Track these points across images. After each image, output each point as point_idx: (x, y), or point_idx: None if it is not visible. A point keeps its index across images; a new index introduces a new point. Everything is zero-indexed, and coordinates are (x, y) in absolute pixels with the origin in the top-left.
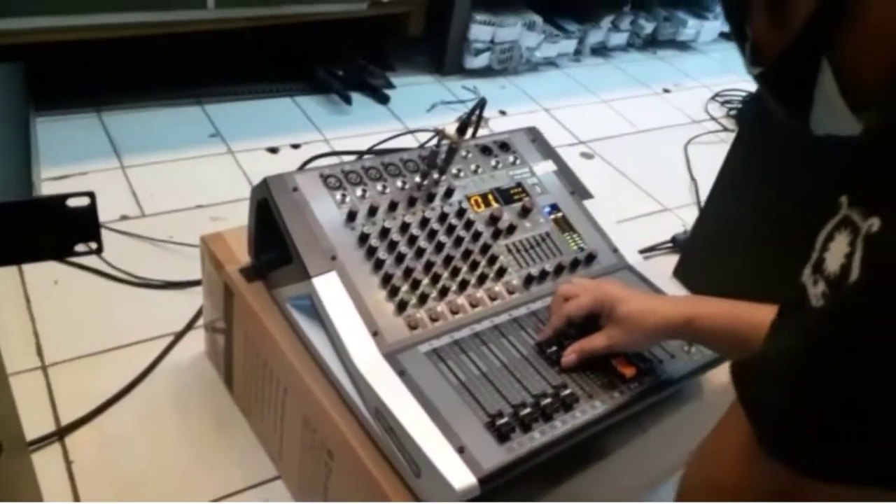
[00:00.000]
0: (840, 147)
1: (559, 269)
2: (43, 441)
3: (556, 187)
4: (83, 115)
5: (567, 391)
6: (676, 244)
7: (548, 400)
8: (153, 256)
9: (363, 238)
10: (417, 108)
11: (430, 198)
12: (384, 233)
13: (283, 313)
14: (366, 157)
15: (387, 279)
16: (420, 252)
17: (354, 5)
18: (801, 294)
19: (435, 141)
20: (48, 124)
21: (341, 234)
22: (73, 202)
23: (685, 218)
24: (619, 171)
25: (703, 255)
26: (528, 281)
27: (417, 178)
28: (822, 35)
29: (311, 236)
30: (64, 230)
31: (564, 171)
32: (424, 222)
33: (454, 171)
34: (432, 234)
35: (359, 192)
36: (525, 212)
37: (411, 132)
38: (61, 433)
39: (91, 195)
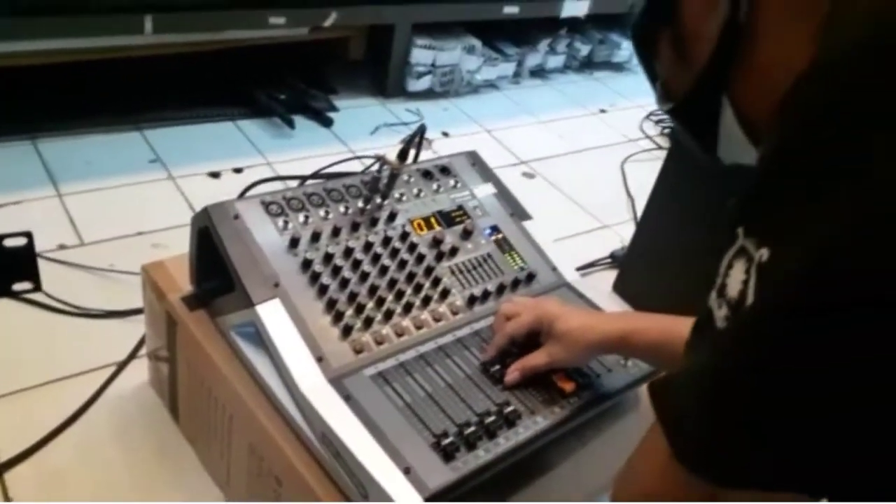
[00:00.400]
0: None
1: (501, 289)
2: None
3: (496, 209)
4: (17, 143)
5: (510, 408)
6: (615, 260)
7: (491, 418)
8: (93, 285)
9: (306, 264)
10: (361, 131)
11: (374, 222)
12: (327, 258)
13: (227, 341)
14: (308, 183)
15: (331, 304)
16: (364, 276)
17: (295, 30)
18: (708, 316)
19: (377, 167)
20: None
21: (284, 261)
22: (9, 242)
23: (623, 234)
24: (560, 190)
25: (640, 270)
26: (472, 301)
27: (360, 204)
28: (720, 74)
29: (254, 264)
30: (1, 270)
31: (504, 194)
32: (368, 246)
33: (397, 195)
34: (376, 258)
35: (301, 218)
36: (467, 234)
37: (357, 157)
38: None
39: (28, 235)
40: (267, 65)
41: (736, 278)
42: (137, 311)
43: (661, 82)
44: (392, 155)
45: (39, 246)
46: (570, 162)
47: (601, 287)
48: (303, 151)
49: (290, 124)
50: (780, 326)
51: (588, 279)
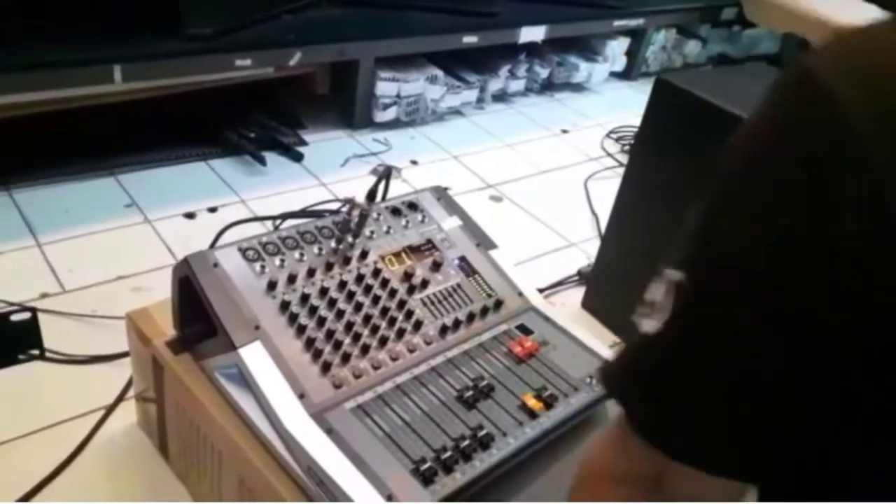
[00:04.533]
0: None
1: (471, 317)
2: None
3: (462, 241)
4: None
5: (483, 432)
6: (582, 277)
7: (466, 442)
8: (77, 332)
9: (284, 305)
10: (331, 163)
11: (346, 261)
12: (304, 298)
13: (213, 382)
14: (282, 227)
15: (310, 343)
16: (340, 313)
17: (261, 70)
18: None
19: (346, 209)
20: None
21: (263, 304)
22: (15, 317)
23: (589, 251)
24: (527, 211)
25: (606, 285)
26: (444, 331)
27: (333, 244)
28: None
29: (234, 309)
30: (8, 342)
31: (469, 225)
32: (342, 285)
33: (367, 233)
34: (351, 296)
35: (277, 261)
36: (436, 266)
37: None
38: None
39: (32, 310)
40: (235, 103)
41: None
42: (123, 355)
43: None
44: (360, 196)
45: (22, 296)
46: (536, 183)
47: (570, 303)
48: (276, 187)
49: (262, 161)
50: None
51: (557, 297)
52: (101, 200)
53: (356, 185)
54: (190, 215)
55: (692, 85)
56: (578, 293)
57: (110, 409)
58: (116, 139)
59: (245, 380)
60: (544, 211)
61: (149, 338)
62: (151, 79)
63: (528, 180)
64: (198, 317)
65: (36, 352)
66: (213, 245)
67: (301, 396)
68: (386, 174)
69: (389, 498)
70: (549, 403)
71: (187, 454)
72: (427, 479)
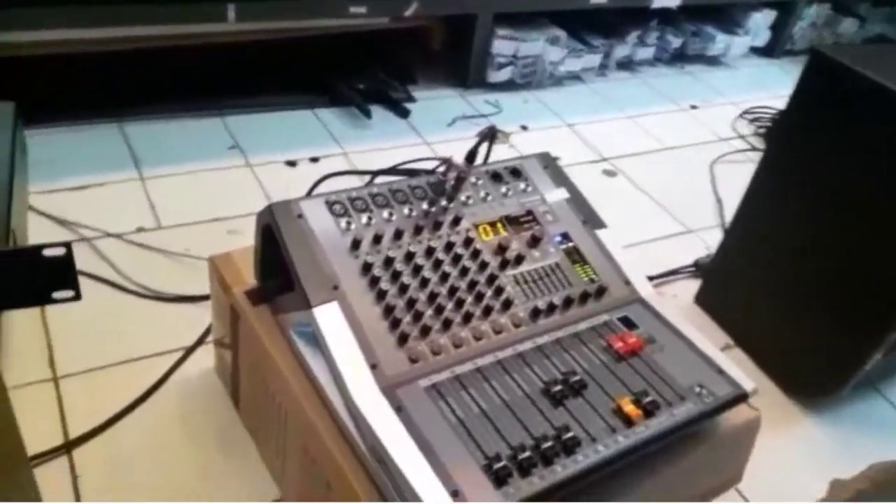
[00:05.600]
0: None
1: (568, 302)
2: (51, 454)
3: (567, 216)
4: (105, 127)
5: (569, 434)
6: (699, 268)
7: (548, 443)
8: (168, 269)
9: (367, 267)
10: (438, 122)
11: (437, 226)
12: (388, 262)
13: (287, 339)
14: (374, 183)
15: (389, 310)
16: (424, 282)
17: (376, 20)
18: None
19: (443, 169)
20: (70, 134)
21: (345, 263)
22: (49, 252)
23: (709, 240)
24: (642, 190)
25: (726, 281)
26: (535, 314)
27: (425, 206)
28: None
29: (314, 265)
30: (41, 279)
31: (577, 199)
32: (430, 251)
33: (463, 198)
34: (437, 264)
35: (364, 219)
36: (535, 241)
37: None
38: (69, 446)
39: (67, 245)
40: (346, 54)
41: None
42: (208, 297)
43: None
44: (459, 157)
45: (119, 228)
46: (656, 160)
47: (682, 297)
48: (379, 142)
49: (367, 114)
50: None
51: (668, 288)
52: (206, 140)
53: (460, 147)
54: (291, 163)
55: (858, 62)
56: (692, 286)
57: (189, 352)
58: (227, 81)
59: (317, 342)
60: (662, 191)
61: (229, 285)
62: (264, 20)
63: (647, 157)
64: (278, 269)
65: (71, 293)
66: (308, 195)
67: (373, 367)
68: (489, 135)
69: (455, 494)
70: (648, 411)
71: (257, 410)
72: (500, 479)
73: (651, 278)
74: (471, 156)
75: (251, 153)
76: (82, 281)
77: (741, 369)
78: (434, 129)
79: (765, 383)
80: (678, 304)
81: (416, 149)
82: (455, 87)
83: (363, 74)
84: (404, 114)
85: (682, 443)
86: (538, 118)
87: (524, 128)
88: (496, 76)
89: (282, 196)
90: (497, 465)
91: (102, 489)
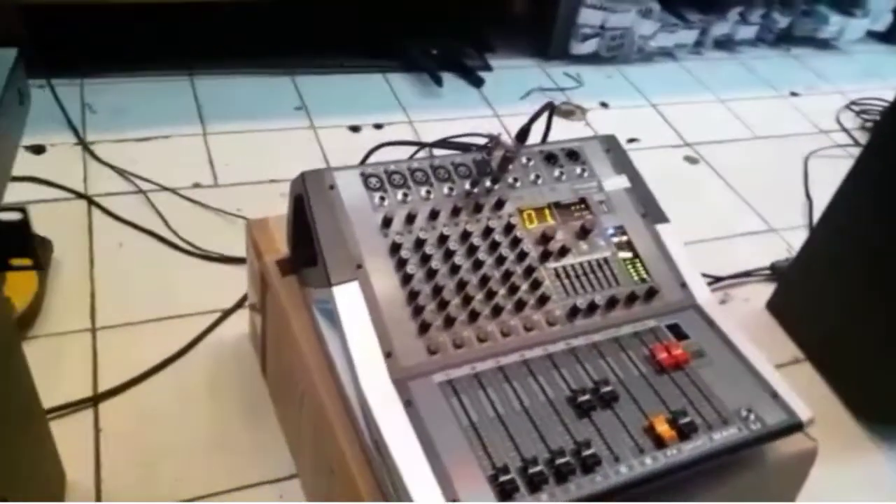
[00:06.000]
0: None
1: (612, 303)
2: (77, 405)
3: (625, 206)
4: (177, 80)
5: (590, 451)
6: (775, 272)
7: (565, 458)
8: (218, 228)
9: (395, 248)
10: (512, 94)
11: (477, 208)
12: (419, 244)
13: (310, 314)
14: (416, 158)
15: (413, 296)
16: (454, 269)
17: None
18: None
19: (489, 146)
20: (143, 85)
21: (372, 241)
22: (4, 216)
23: (792, 242)
24: (725, 181)
25: (804, 287)
26: (573, 313)
27: (467, 186)
28: None
29: (340, 240)
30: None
31: (639, 189)
32: (465, 236)
33: (510, 179)
34: (472, 250)
35: (399, 195)
36: (584, 232)
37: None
38: (97, 399)
39: (23, 210)
40: (423, 17)
41: None
42: None
43: None
44: (510, 135)
45: (176, 182)
46: (745, 149)
47: (753, 301)
48: (447, 112)
49: (439, 82)
50: None
51: (739, 290)
52: (274, 99)
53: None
54: (355, 128)
55: None
56: (766, 290)
57: (226, 315)
58: (300, 40)
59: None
60: (747, 184)
61: (261, 251)
62: None
63: (735, 145)
64: (307, 240)
65: (30, 262)
66: (361, 163)
67: (388, 355)
68: (546, 110)
69: (454, 501)
70: (684, 433)
71: (279, 382)
72: (505, 492)
73: (721, 279)
74: (522, 134)
75: (317, 115)
76: (133, 234)
77: (807, 386)
78: (507, 100)
79: (832, 404)
80: (748, 308)
81: (485, 121)
82: (534, 58)
83: (438, 40)
84: (478, 83)
85: (724, 467)
86: (621, 95)
87: (604, 105)
88: (580, 48)
89: (340, 162)
90: (504, 478)
91: (121, 446)
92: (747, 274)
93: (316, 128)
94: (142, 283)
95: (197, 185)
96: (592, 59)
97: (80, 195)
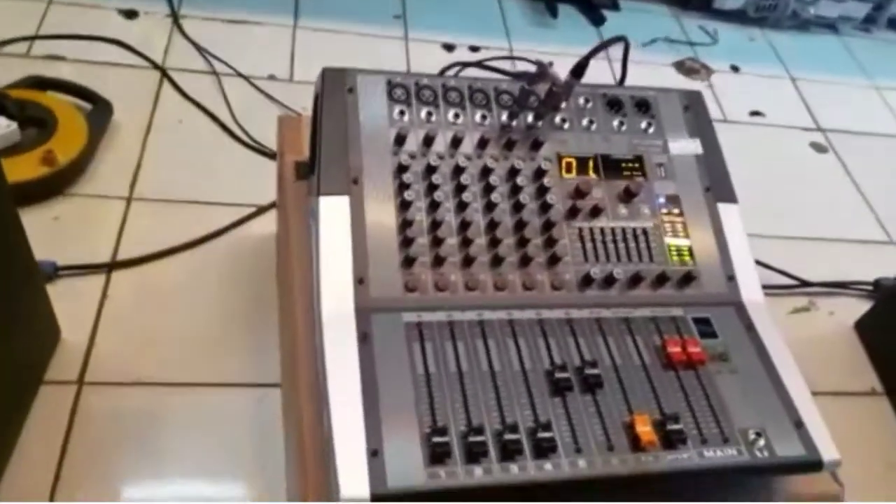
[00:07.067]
0: None
1: (636, 280)
2: (91, 269)
3: (688, 175)
4: None
5: (548, 433)
6: (877, 289)
7: (516, 435)
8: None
9: (401, 169)
10: (633, 41)
11: (509, 144)
12: (429, 170)
13: (308, 224)
14: (460, 75)
15: (406, 225)
16: (462, 206)
17: None
18: None
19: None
20: None
21: (378, 157)
22: None
23: None
24: (851, 177)
25: None
26: (586, 282)
27: (504, 117)
28: None
29: (342, 149)
30: None
31: (712, 159)
32: (485, 172)
33: (558, 119)
34: (488, 189)
35: (424, 113)
36: (628, 195)
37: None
38: (112, 266)
39: None
40: None
41: None
42: None
43: None
44: (566, 67)
45: (252, 70)
46: (887, 147)
47: (842, 317)
48: (553, 46)
49: (554, 12)
50: None
51: (829, 301)
52: (375, 2)
53: (648, 74)
54: (449, 47)
55: None
56: (860, 308)
57: (260, 211)
58: None
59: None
60: (877, 186)
61: (284, 150)
62: None
63: (877, 140)
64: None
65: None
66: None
67: (360, 281)
68: (614, 43)
69: (374, 454)
70: (670, 441)
71: (281, 288)
72: (436, 456)
73: (809, 284)
74: (579, 68)
75: (414, 27)
76: (195, 112)
77: (875, 423)
78: None
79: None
80: (834, 323)
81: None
82: (671, 5)
83: None
84: (598, 21)
85: (721, 494)
86: (758, 61)
87: (735, 68)
88: (725, 2)
89: None
90: (438, 439)
91: (122, 317)
92: (842, 285)
93: (410, 39)
94: (189, 163)
95: (272, 77)
96: (737, 16)
97: (156, 66)
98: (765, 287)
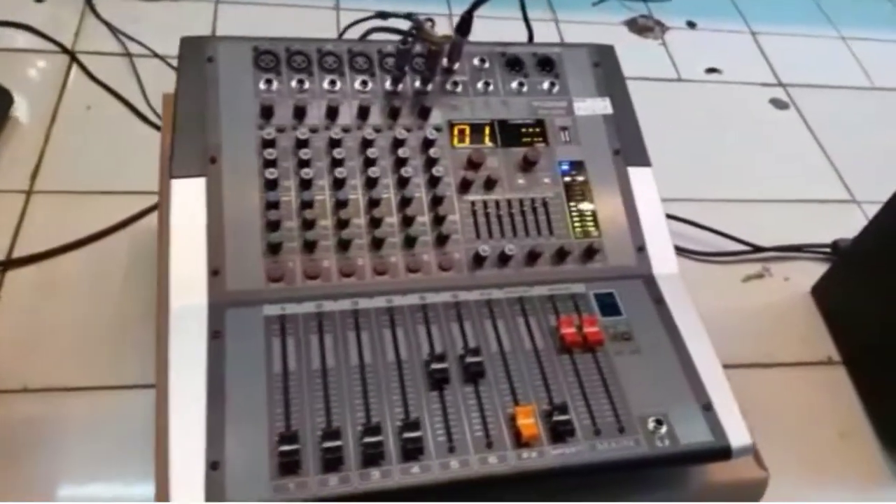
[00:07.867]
0: None
1: (533, 256)
2: None
3: (595, 139)
4: None
5: (415, 433)
6: (835, 252)
7: (377, 437)
8: None
9: (267, 144)
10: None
11: (393, 113)
12: (299, 145)
13: None
14: (341, 39)
15: (271, 206)
16: (338, 184)
17: None
18: None
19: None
20: None
21: (242, 133)
22: None
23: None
24: (813, 134)
25: (860, 274)
26: (477, 261)
27: (388, 83)
28: None
29: (198, 126)
30: None
31: (623, 119)
32: (365, 144)
33: (449, 84)
34: (368, 163)
35: (294, 82)
36: (527, 163)
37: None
38: (6, 265)
39: None
40: None
41: None
42: None
43: None
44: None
45: (169, 50)
46: (852, 101)
47: (798, 281)
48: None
49: None
50: None
51: (785, 266)
52: None
53: (597, 34)
54: (384, 16)
55: None
56: (818, 272)
57: None
58: None
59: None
60: (840, 142)
61: (166, 132)
62: None
63: (840, 93)
64: None
65: None
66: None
67: (215, 273)
68: None
69: (214, 466)
70: (557, 434)
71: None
72: (284, 466)
73: (762, 249)
74: (463, 24)
75: None
76: (105, 98)
77: (833, 394)
78: (573, 5)
79: (856, 421)
80: (787, 289)
81: (540, 26)
82: None
83: None
84: None
85: (626, 484)
86: (715, 16)
87: (691, 24)
88: None
89: None
90: (287, 447)
91: (14, 318)
92: (798, 248)
93: (341, 9)
94: (97, 152)
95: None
96: None
97: (65, 50)
98: (716, 255)
